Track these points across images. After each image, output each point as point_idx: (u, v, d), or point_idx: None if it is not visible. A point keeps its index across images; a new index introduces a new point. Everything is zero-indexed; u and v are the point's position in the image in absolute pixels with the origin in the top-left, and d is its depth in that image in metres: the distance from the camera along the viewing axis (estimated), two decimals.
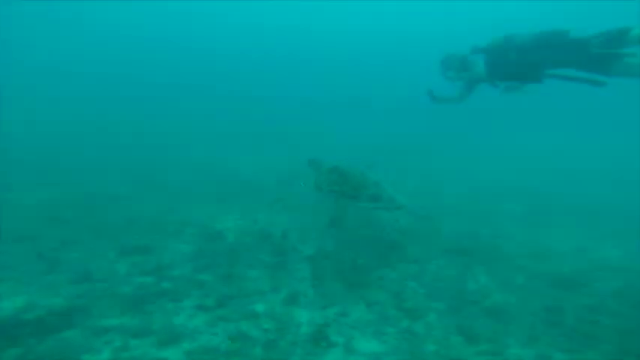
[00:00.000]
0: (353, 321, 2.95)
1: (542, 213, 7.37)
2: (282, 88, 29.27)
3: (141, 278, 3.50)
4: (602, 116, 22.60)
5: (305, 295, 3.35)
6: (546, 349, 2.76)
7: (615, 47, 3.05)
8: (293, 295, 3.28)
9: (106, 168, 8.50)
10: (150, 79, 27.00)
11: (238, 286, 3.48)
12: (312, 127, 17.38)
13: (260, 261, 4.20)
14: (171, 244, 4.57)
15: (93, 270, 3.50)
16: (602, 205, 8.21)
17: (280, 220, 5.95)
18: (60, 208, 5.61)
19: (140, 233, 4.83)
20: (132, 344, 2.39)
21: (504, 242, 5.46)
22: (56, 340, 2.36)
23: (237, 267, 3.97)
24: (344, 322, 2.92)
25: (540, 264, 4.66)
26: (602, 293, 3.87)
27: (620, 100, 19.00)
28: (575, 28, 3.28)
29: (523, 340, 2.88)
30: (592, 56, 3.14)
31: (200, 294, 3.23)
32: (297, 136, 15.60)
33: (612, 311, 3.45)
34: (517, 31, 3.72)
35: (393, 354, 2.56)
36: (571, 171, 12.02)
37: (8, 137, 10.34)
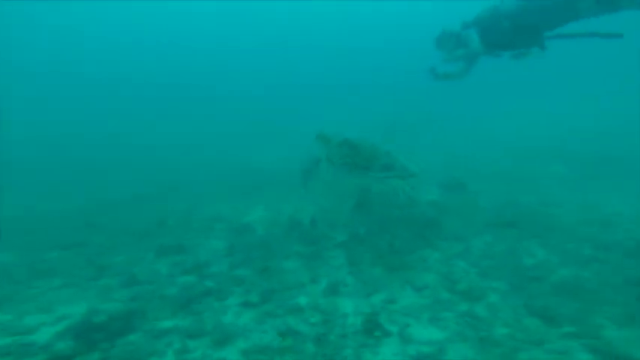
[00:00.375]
0: (403, 307, 2.89)
1: (590, 176, 6.45)
2: (285, 82, 29.01)
3: (183, 278, 3.62)
4: (611, 75, 21.00)
5: (345, 283, 3.39)
6: None
7: None
8: (333, 285, 3.31)
9: (126, 170, 8.72)
10: (153, 80, 27.08)
11: (277, 279, 3.55)
12: (320, 116, 17.09)
13: (293, 251, 4.26)
14: (204, 241, 4.69)
15: (137, 273, 3.63)
16: None
17: (305, 208, 5.98)
18: (93, 214, 5.83)
19: (172, 233, 4.97)
20: (190, 346, 2.50)
21: (556, 210, 4.96)
22: (124, 344, 2.50)
23: (272, 260, 4.03)
24: (394, 310, 2.87)
25: (606, 232, 4.12)
26: None
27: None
28: None
29: (618, 319, 2.52)
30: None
31: (242, 290, 3.32)
32: (306, 126, 15.40)
33: None
34: None
35: (459, 340, 2.43)
36: (601, 130, 11.41)
37: (24, 144, 10.65)
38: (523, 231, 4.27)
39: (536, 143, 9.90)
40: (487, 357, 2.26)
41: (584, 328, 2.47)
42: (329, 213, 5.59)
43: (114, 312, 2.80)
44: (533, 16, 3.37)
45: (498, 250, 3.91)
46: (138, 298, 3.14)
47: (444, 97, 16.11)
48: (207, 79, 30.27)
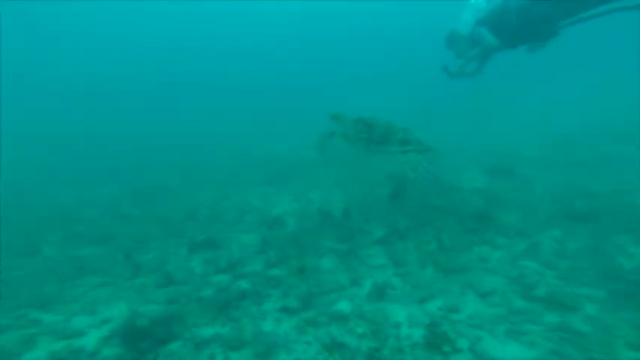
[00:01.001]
0: (469, 317, 2.51)
1: None
2: (308, 71, 28.29)
3: (217, 277, 3.48)
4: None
5: (392, 286, 3.10)
6: None
7: None
8: (379, 288, 3.04)
9: (151, 162, 8.74)
10: (171, 79, 27.15)
11: (314, 280, 3.32)
12: (344, 103, 16.44)
13: (328, 248, 4.01)
14: (235, 235, 4.53)
15: (172, 271, 3.53)
16: None
17: (335, 197, 5.69)
18: (122, 204, 5.83)
19: (202, 225, 4.86)
20: (232, 358, 2.34)
21: None
22: (167, 353, 2.39)
23: (307, 257, 3.81)
24: (458, 320, 2.50)
25: None
26: None
27: None
28: None
29: None
30: None
31: (279, 293, 3.12)
32: (324, 112, 14.84)
33: None
34: None
35: None
36: None
37: (54, 137, 10.96)
38: (604, 224, 3.65)
39: (587, 122, 8.94)
40: None
41: None
42: (361, 203, 5.27)
43: (154, 316, 2.68)
44: (541, 9, 3.40)
45: (576, 248, 3.38)
46: (175, 300, 3.02)
47: (461, 89, 14.97)
48: (228, 75, 30.14)
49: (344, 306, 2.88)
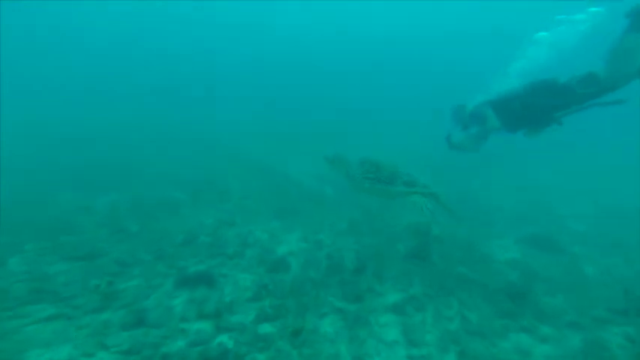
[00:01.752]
0: None
1: None
2: (322, 90, 28.79)
3: (197, 324, 2.93)
4: None
5: None
6: None
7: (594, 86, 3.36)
8: None
9: (160, 171, 8.52)
10: (181, 82, 27.87)
11: (310, 349, 2.71)
12: (355, 127, 16.32)
13: (332, 307, 3.40)
14: (232, 271, 4.02)
15: (147, 308, 3.02)
16: None
17: (347, 244, 5.12)
18: (121, 216, 5.48)
19: (199, 254, 4.39)
20: None
21: None
22: None
23: (308, 315, 3.21)
24: None
25: None
26: None
27: None
28: (560, 74, 3.56)
29: None
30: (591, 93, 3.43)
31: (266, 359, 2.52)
32: (341, 136, 14.64)
33: None
34: (518, 82, 3.95)
35: None
36: None
37: (59, 140, 10.99)
38: None
39: (631, 201, 8.05)
40: None
41: None
42: (376, 255, 4.67)
43: None
44: (542, 100, 3.65)
45: None
46: (136, 351, 2.48)
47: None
48: (253, 85, 30.69)
49: None
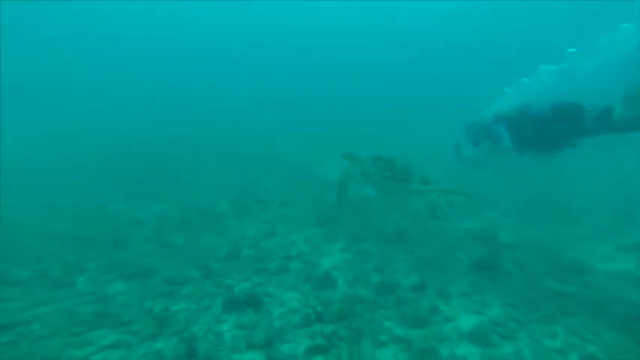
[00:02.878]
0: None
1: None
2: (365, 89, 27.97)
3: (249, 355, 2.78)
4: None
5: None
6: None
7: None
8: None
9: (203, 179, 8.67)
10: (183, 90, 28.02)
11: None
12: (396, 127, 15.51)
13: (390, 334, 3.07)
14: (277, 290, 3.85)
15: (197, 336, 2.94)
16: None
17: (397, 253, 4.73)
18: (166, 229, 5.58)
19: (244, 269, 4.29)
20: None
21: None
22: None
23: (363, 344, 2.92)
24: None
25: None
26: None
27: None
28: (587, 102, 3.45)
29: None
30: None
31: None
32: (377, 135, 13.97)
33: None
34: (535, 99, 3.85)
35: None
36: None
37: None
38: None
39: None
40: None
41: None
42: (435, 269, 4.23)
43: None
44: (563, 126, 3.57)
45: None
46: None
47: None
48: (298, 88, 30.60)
49: None
